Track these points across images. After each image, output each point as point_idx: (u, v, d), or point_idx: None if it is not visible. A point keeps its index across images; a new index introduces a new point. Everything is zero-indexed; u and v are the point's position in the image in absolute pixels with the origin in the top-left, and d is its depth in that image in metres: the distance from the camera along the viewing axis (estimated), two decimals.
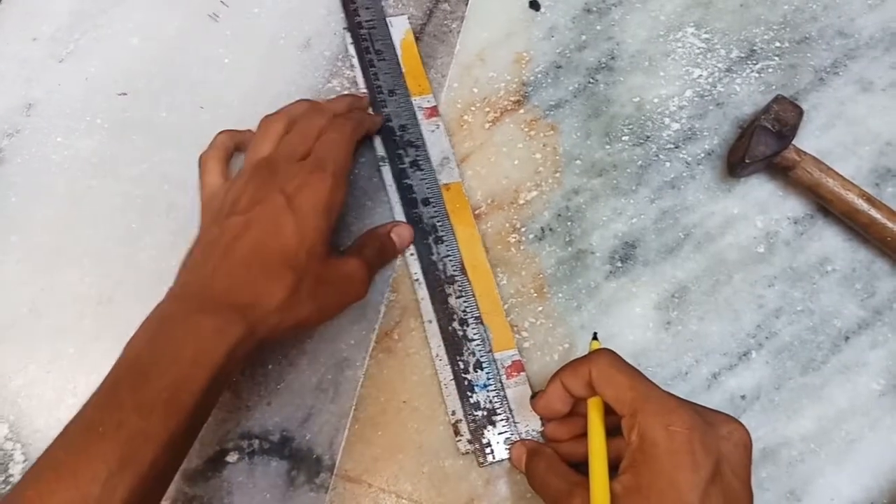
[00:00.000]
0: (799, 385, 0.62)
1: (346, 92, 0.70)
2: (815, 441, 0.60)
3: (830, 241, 0.66)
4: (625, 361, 0.51)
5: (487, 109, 0.69)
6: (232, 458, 0.58)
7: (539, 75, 0.70)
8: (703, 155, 0.68)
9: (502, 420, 0.59)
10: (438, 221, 0.65)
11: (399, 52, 0.71)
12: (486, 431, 0.59)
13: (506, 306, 0.63)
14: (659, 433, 0.46)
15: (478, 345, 0.61)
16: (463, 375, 0.60)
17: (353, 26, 0.71)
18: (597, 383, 0.51)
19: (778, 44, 0.71)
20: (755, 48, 0.71)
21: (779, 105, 0.64)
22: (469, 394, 0.60)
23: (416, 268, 0.64)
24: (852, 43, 0.71)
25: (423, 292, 0.63)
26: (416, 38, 0.72)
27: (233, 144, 0.65)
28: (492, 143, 0.68)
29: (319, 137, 0.61)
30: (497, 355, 0.61)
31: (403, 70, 0.70)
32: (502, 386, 0.60)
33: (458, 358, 0.61)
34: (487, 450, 0.58)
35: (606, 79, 0.70)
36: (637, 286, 0.64)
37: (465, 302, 0.62)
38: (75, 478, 0.43)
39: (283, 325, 0.53)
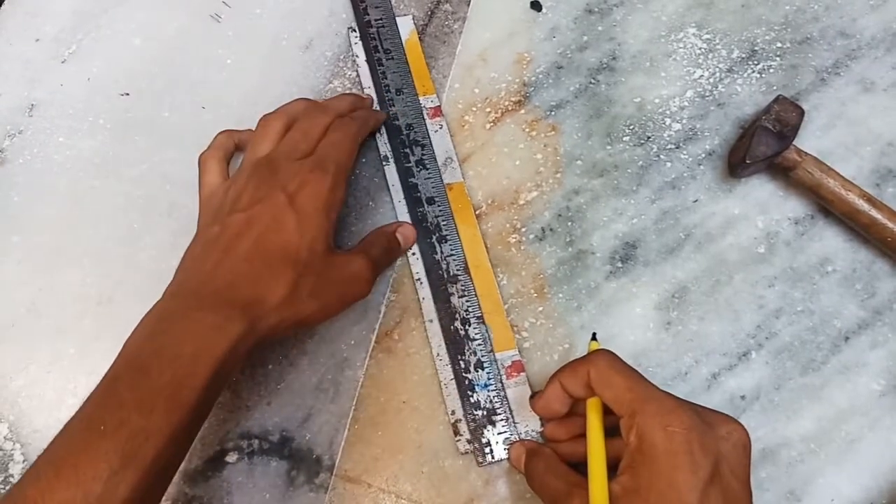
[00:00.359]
0: (799, 385, 0.62)
1: (347, 92, 0.70)
2: (814, 441, 0.60)
3: (831, 241, 0.65)
4: (623, 362, 0.51)
5: (489, 110, 0.69)
6: (232, 458, 0.58)
7: (540, 76, 0.70)
8: (703, 155, 0.68)
9: (502, 420, 0.59)
10: (443, 220, 0.65)
11: (404, 52, 0.71)
12: (485, 431, 0.59)
13: (506, 306, 0.63)
14: (657, 434, 0.46)
15: (479, 344, 0.61)
16: (464, 375, 0.60)
17: (362, 25, 0.71)
18: (595, 384, 0.51)
19: (779, 44, 0.71)
20: (756, 49, 0.71)
21: (780, 105, 0.64)
22: (469, 393, 0.60)
23: (418, 267, 0.64)
24: (854, 43, 0.71)
25: (424, 292, 0.63)
26: (418, 39, 0.72)
27: (232, 144, 0.65)
28: (493, 143, 0.68)
29: (323, 136, 0.61)
30: (497, 355, 0.61)
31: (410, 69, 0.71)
32: (502, 386, 0.60)
33: (459, 357, 0.61)
34: (487, 450, 0.58)
35: (608, 79, 0.70)
36: (637, 286, 0.64)
37: (467, 301, 0.63)
38: (77, 476, 0.43)
39: (285, 323, 0.53)
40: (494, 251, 0.65)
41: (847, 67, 0.70)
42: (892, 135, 0.68)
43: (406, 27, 0.72)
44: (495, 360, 0.61)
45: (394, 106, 0.68)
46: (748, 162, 0.62)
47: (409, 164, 0.67)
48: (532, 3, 0.73)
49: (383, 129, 0.68)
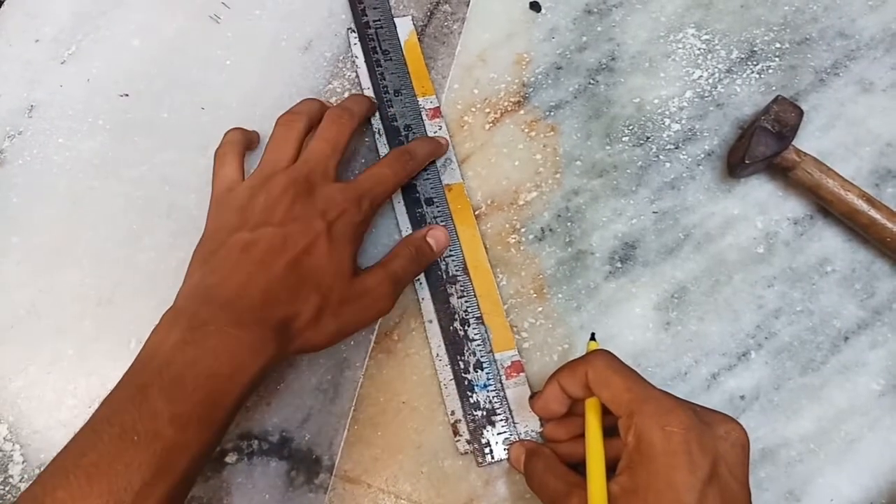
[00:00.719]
0: (798, 385, 0.62)
1: (346, 93, 0.70)
2: (814, 441, 0.60)
3: (830, 241, 0.65)
4: (622, 362, 0.51)
5: (488, 110, 0.69)
6: (231, 458, 0.58)
7: (539, 76, 0.71)
8: (703, 156, 0.68)
9: (501, 420, 0.59)
10: (442, 221, 0.65)
11: (403, 53, 0.71)
12: (485, 431, 0.59)
13: (505, 307, 0.63)
14: (655, 434, 0.46)
15: (478, 345, 0.61)
16: (463, 375, 0.60)
17: (360, 26, 0.71)
18: (593, 384, 0.51)
19: (778, 45, 0.71)
20: (755, 49, 0.71)
21: (779, 106, 0.64)
22: (469, 394, 0.60)
23: None
24: (853, 44, 0.71)
25: (424, 292, 0.63)
26: (417, 40, 0.72)
27: (245, 141, 0.65)
28: (492, 143, 0.68)
29: (349, 140, 0.62)
30: (497, 356, 0.61)
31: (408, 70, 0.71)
32: (502, 386, 0.60)
33: (458, 358, 0.61)
34: (486, 450, 0.58)
35: (607, 80, 0.70)
36: (637, 287, 0.64)
37: (466, 302, 0.63)
38: (109, 485, 0.43)
39: (306, 345, 0.54)
40: (494, 251, 0.65)
41: (846, 68, 0.70)
42: (891, 135, 0.68)
43: (405, 28, 0.72)
44: (495, 361, 0.61)
45: (392, 107, 0.68)
46: (747, 162, 0.62)
47: None
48: (531, 3, 0.73)
49: (382, 131, 0.68)
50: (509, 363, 0.61)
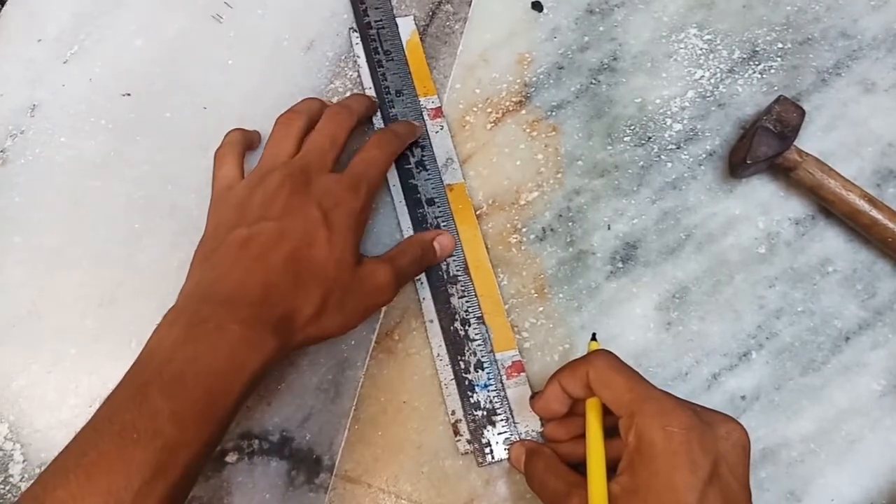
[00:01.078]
0: (799, 385, 0.62)
1: (348, 93, 0.70)
2: (815, 441, 0.60)
3: (832, 241, 0.65)
4: (623, 363, 0.51)
5: (489, 110, 0.69)
6: (231, 458, 0.58)
7: (541, 76, 0.70)
8: (704, 156, 0.68)
9: (502, 420, 0.59)
10: (443, 221, 0.65)
11: (405, 53, 0.71)
12: (485, 431, 0.59)
13: (506, 306, 0.63)
14: (656, 434, 0.46)
15: (479, 345, 0.61)
16: (464, 375, 0.60)
17: (362, 26, 0.71)
18: (594, 384, 0.50)
19: (780, 45, 0.71)
20: (757, 49, 0.71)
21: (781, 106, 0.64)
22: (469, 394, 0.60)
23: None
24: (855, 44, 0.71)
25: (425, 292, 0.63)
26: (420, 40, 0.72)
27: (246, 141, 0.65)
28: (494, 143, 0.68)
29: (347, 138, 0.62)
30: (498, 356, 0.61)
31: (410, 71, 0.71)
32: (503, 386, 0.60)
33: (459, 358, 0.61)
34: (487, 450, 0.59)
35: (608, 80, 0.70)
36: (638, 287, 0.64)
37: (467, 302, 0.63)
38: (108, 484, 0.43)
39: (309, 339, 0.54)
40: (495, 251, 0.65)
41: (848, 68, 0.70)
42: (892, 135, 0.68)
43: (407, 28, 0.72)
44: (495, 361, 0.61)
45: (394, 107, 0.68)
46: (749, 162, 0.62)
47: (409, 166, 0.67)
48: (533, 3, 0.73)
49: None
50: (510, 363, 0.61)
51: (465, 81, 0.70)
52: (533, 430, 0.59)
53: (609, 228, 0.65)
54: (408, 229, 0.65)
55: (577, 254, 0.65)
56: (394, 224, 0.66)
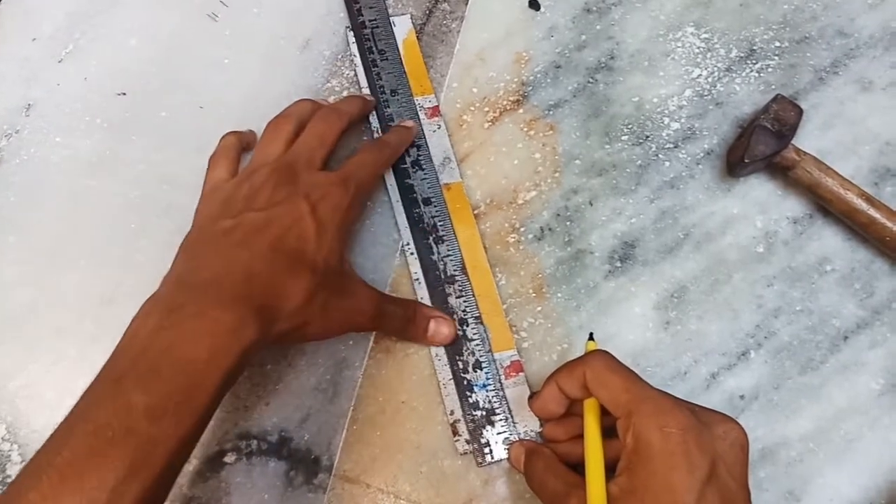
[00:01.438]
0: (798, 385, 0.62)
1: (345, 92, 0.70)
2: (813, 441, 0.60)
3: (830, 240, 0.65)
4: (619, 363, 0.51)
5: (487, 109, 0.69)
6: (230, 458, 0.58)
7: (538, 75, 0.70)
8: (702, 154, 0.68)
9: (501, 420, 0.59)
10: (440, 221, 0.65)
11: (401, 51, 0.71)
12: (484, 431, 0.59)
13: (505, 306, 0.63)
14: (654, 434, 0.46)
15: (477, 345, 0.61)
16: (462, 375, 0.60)
17: (356, 26, 0.71)
18: (591, 385, 0.50)
19: (777, 43, 0.71)
20: (755, 48, 0.71)
21: (778, 105, 0.64)
22: (468, 394, 0.60)
23: (416, 267, 0.64)
24: (852, 42, 0.71)
25: (422, 292, 0.63)
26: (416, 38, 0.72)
27: (241, 144, 0.64)
28: (491, 142, 0.68)
29: (337, 140, 0.61)
30: (496, 355, 0.61)
31: (406, 70, 0.70)
32: (501, 386, 0.60)
33: (457, 358, 0.61)
34: (486, 450, 0.58)
35: (606, 78, 0.70)
36: (636, 286, 0.64)
37: (465, 302, 0.62)
38: (81, 483, 0.41)
39: (292, 333, 0.53)
40: (493, 251, 0.65)
41: (845, 66, 0.70)
42: (890, 134, 0.68)
43: (404, 26, 0.72)
44: (494, 361, 0.61)
45: (389, 107, 0.68)
46: (747, 161, 0.62)
47: (405, 166, 0.66)
48: (530, 2, 0.73)
49: (380, 130, 0.68)
50: (508, 363, 0.61)
51: (462, 80, 0.70)
52: (532, 430, 0.59)
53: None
54: (405, 228, 0.65)
55: (575, 253, 0.65)
56: (391, 224, 0.66)
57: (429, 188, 0.66)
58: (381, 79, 0.69)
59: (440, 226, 0.65)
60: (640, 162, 0.68)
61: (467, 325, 0.62)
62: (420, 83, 0.70)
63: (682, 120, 0.69)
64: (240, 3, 0.72)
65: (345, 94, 0.69)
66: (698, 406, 0.50)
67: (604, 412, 0.52)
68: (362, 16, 0.71)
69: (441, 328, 0.61)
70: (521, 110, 0.69)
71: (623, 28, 0.72)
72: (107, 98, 0.68)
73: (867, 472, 0.60)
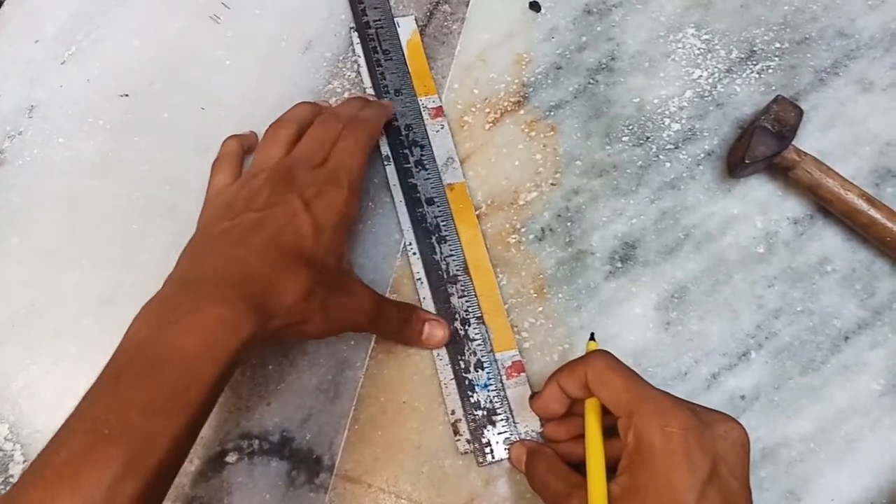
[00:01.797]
0: (798, 385, 0.62)
1: (346, 93, 0.70)
2: (814, 441, 0.60)
3: (830, 241, 0.66)
4: (620, 363, 0.51)
5: (488, 110, 0.69)
6: (232, 458, 0.58)
7: (539, 76, 0.71)
8: (703, 155, 0.68)
9: (502, 420, 0.59)
10: (442, 221, 0.65)
11: (405, 52, 0.71)
12: (485, 431, 0.59)
13: (506, 306, 0.63)
14: (655, 434, 0.46)
15: (479, 345, 0.61)
16: (463, 375, 0.60)
17: (361, 26, 0.71)
18: (593, 385, 0.50)
19: (778, 44, 0.71)
20: (755, 49, 0.71)
21: (779, 105, 0.64)
22: (469, 393, 0.60)
23: (418, 267, 0.64)
24: (853, 43, 0.71)
25: (425, 292, 0.63)
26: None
27: (243, 149, 0.65)
28: (492, 143, 0.68)
29: (335, 143, 0.61)
30: (498, 355, 0.61)
31: (409, 70, 0.70)
32: (503, 386, 0.60)
33: (459, 358, 0.61)
34: (487, 449, 0.59)
35: (606, 80, 0.70)
36: (637, 286, 0.64)
37: (467, 302, 0.63)
38: (77, 482, 0.42)
39: (289, 329, 0.53)
40: (494, 251, 0.65)
41: (846, 67, 0.70)
42: (890, 135, 0.68)
43: (408, 27, 0.72)
44: (495, 360, 0.61)
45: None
46: (747, 162, 0.62)
47: (409, 165, 0.67)
48: (531, 3, 0.73)
49: (382, 132, 0.68)
50: (510, 363, 0.61)
51: (463, 81, 0.70)
52: (533, 430, 0.59)
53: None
54: (408, 229, 0.65)
55: (576, 254, 0.65)
56: (393, 224, 0.66)
57: (432, 188, 0.66)
58: (385, 79, 0.70)
59: (443, 226, 0.65)
60: (640, 163, 0.68)
61: (469, 325, 0.62)
62: (424, 83, 0.70)
63: (683, 121, 0.69)
64: (242, 4, 0.72)
65: (346, 95, 0.70)
66: (699, 406, 0.50)
67: (605, 412, 0.52)
68: (367, 16, 0.72)
69: (435, 331, 0.61)
70: (521, 111, 0.69)
71: (623, 29, 0.72)
72: (109, 99, 0.68)
73: (868, 472, 0.60)
